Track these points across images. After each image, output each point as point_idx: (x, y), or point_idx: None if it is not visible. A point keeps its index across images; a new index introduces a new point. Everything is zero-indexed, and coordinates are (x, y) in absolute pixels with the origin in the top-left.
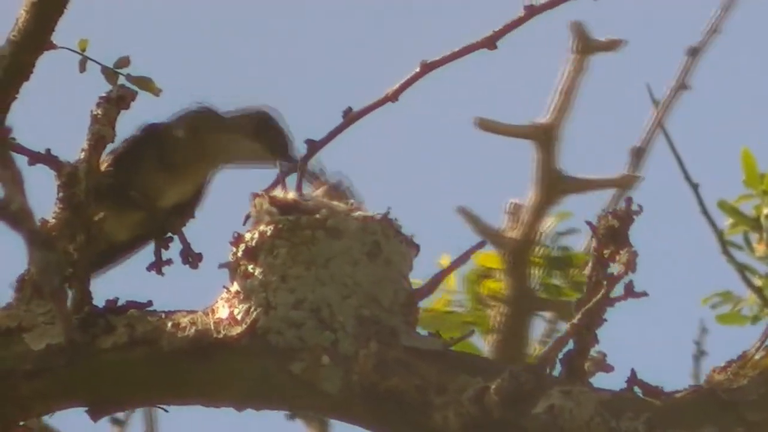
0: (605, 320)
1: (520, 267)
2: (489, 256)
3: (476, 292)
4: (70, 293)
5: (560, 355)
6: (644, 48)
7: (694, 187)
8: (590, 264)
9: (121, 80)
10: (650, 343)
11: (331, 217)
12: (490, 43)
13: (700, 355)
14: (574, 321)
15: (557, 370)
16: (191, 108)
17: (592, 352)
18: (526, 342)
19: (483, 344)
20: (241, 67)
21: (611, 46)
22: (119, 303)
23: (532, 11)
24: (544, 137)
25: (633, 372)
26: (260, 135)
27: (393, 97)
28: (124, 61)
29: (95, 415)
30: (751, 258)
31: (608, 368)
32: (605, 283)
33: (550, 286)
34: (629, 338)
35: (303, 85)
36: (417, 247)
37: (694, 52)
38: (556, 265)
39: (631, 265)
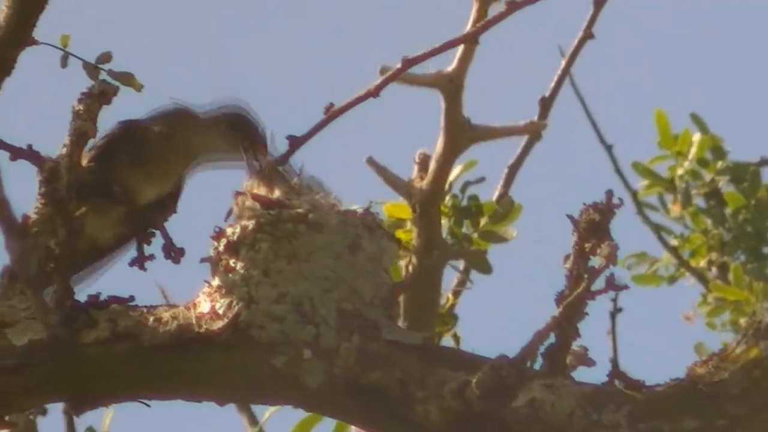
0: (587, 314)
1: (429, 217)
2: (398, 207)
3: None
4: (51, 288)
5: (542, 349)
6: None
7: (608, 147)
8: (571, 257)
9: (103, 76)
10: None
11: (313, 211)
12: (472, 38)
13: (616, 312)
14: (555, 314)
15: (539, 363)
16: (166, 106)
17: (574, 345)
18: (437, 292)
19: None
20: (222, 62)
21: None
22: (101, 298)
23: (513, 6)
24: (450, 86)
25: (614, 365)
26: (234, 132)
27: (375, 92)
28: (105, 57)
29: (77, 409)
30: (666, 219)
31: (590, 362)
32: (586, 276)
33: (460, 236)
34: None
35: (284, 81)
36: (398, 242)
37: (599, 2)
38: (464, 214)
39: (612, 258)
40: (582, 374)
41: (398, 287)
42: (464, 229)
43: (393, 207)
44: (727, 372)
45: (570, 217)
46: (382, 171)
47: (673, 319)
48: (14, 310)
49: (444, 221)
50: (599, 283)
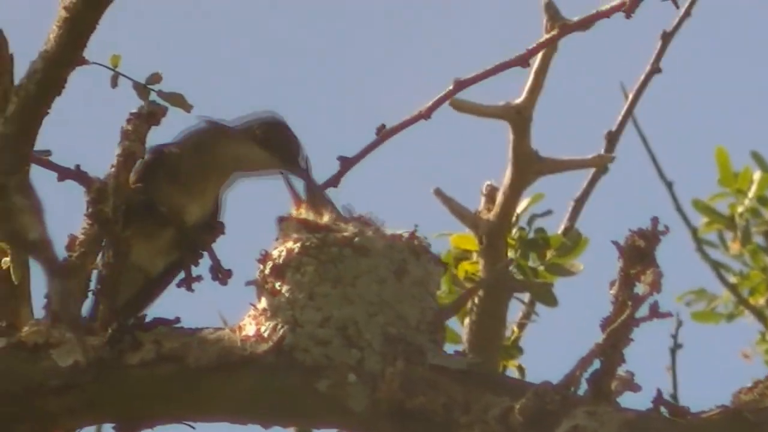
0: (632, 340)
1: (496, 249)
2: (465, 238)
3: (452, 275)
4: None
5: (586, 375)
6: (617, 29)
7: (669, 185)
8: (616, 283)
9: (153, 96)
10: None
11: (359, 235)
12: (523, 61)
13: (676, 348)
14: (600, 341)
15: (583, 389)
16: (195, 124)
17: (620, 371)
18: (502, 325)
19: (459, 328)
20: (274, 84)
21: (584, 25)
22: (147, 319)
23: (564, 29)
24: (517, 117)
25: (659, 392)
26: (268, 142)
27: (426, 114)
28: (155, 77)
29: (122, 430)
30: (725, 256)
31: (636, 388)
32: (630, 303)
33: (526, 268)
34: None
35: (336, 103)
36: (444, 266)
37: (667, 36)
38: (531, 246)
39: (656, 286)
40: (628, 400)
41: (445, 312)
42: (530, 262)
43: (459, 238)
44: None
45: (615, 243)
46: (449, 202)
47: (731, 357)
48: (60, 331)
49: (510, 253)
50: (643, 310)
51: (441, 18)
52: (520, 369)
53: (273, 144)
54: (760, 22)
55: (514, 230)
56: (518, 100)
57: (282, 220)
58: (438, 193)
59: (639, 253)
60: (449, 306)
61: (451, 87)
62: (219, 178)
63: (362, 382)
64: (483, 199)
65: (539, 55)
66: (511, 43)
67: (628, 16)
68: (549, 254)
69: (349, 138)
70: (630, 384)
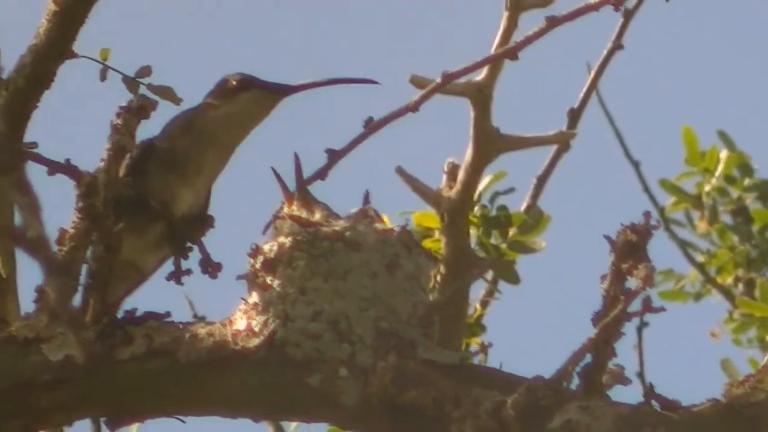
0: (623, 334)
1: (458, 226)
2: (427, 216)
3: None
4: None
5: (577, 369)
6: (579, 5)
7: (635, 164)
8: (607, 278)
9: (142, 90)
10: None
11: (350, 230)
12: (511, 54)
13: (642, 326)
14: (592, 335)
15: (575, 383)
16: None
17: (610, 365)
18: (465, 302)
19: None
20: (263, 74)
21: (543, 2)
22: (137, 314)
23: (553, 23)
24: (479, 95)
25: (650, 386)
26: (244, 84)
27: (414, 107)
28: (145, 71)
29: (113, 425)
30: (692, 235)
31: (626, 381)
32: (623, 297)
33: (488, 246)
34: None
35: (323, 95)
36: (435, 260)
37: (628, 13)
38: (493, 224)
39: (649, 280)
40: (617, 393)
41: (436, 306)
42: (493, 240)
43: (422, 216)
44: (765, 393)
45: (607, 237)
46: (411, 180)
47: (699, 336)
48: (50, 326)
49: (473, 231)
50: (635, 305)
51: (436, 12)
52: (483, 346)
53: (251, 83)
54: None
55: (476, 208)
56: (479, 78)
57: (275, 219)
58: (399, 171)
59: (631, 248)
60: (440, 300)
61: (438, 80)
62: (210, 151)
63: (353, 377)
64: (445, 177)
65: (499, 32)
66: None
67: (616, 9)
68: (511, 232)
69: (340, 131)
70: (620, 378)
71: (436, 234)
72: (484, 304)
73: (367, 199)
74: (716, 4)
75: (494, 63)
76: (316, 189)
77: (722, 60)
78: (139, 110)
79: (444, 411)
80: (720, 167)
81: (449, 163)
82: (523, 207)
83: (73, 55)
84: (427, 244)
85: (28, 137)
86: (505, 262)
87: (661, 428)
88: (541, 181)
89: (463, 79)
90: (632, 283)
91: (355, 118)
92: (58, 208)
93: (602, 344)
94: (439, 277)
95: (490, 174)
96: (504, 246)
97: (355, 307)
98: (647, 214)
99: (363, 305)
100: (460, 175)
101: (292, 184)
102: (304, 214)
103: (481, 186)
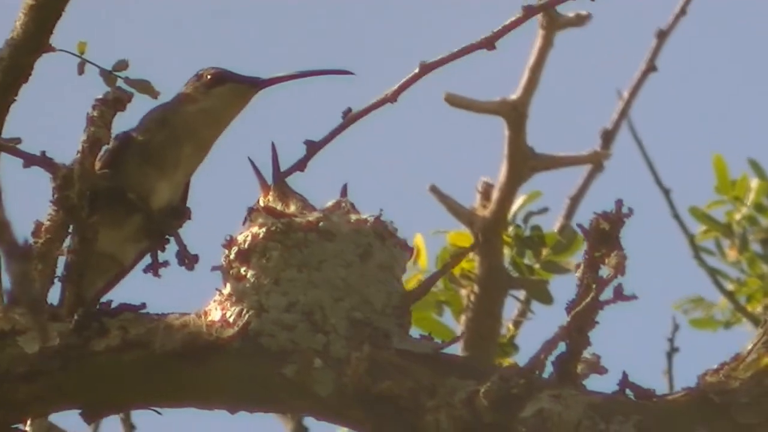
0: (597, 323)
1: (492, 246)
2: (461, 235)
3: (449, 272)
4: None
5: (552, 358)
6: (614, 26)
7: (666, 192)
8: (581, 266)
9: (120, 83)
10: (624, 344)
11: (324, 220)
12: (488, 43)
13: (672, 351)
14: (565, 324)
15: (549, 372)
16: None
17: (587, 354)
18: (498, 322)
19: (455, 324)
20: (239, 67)
21: (578, 21)
22: (113, 305)
23: (530, 12)
24: (513, 113)
25: (625, 374)
26: (218, 78)
27: (392, 97)
28: (122, 65)
29: (89, 417)
30: (722, 263)
31: (602, 370)
32: (595, 285)
33: (522, 266)
34: (606, 340)
35: (301, 86)
36: (411, 250)
37: (662, 34)
38: (527, 244)
39: (620, 268)
40: (594, 383)
41: (410, 296)
42: (526, 260)
43: (456, 235)
44: (738, 381)
45: (580, 226)
46: (444, 199)
47: None
48: (26, 318)
49: (506, 251)
50: (608, 293)
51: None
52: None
53: (225, 77)
54: (758, 22)
55: (510, 227)
56: (514, 97)
57: (251, 212)
58: (434, 190)
59: (603, 236)
60: (415, 290)
61: (417, 70)
62: (187, 144)
63: (328, 367)
64: (478, 196)
65: (535, 51)
66: (517, 51)
67: None
68: (545, 252)
69: (318, 123)
70: (596, 367)
71: (470, 253)
72: (517, 324)
73: (344, 191)
74: (749, 30)
75: (469, 53)
76: (302, 181)
77: (755, 87)
78: (115, 102)
79: (419, 400)
80: (750, 196)
81: (483, 182)
82: (556, 227)
83: (51, 49)
84: (462, 264)
85: (5, 131)
86: (538, 282)
87: (635, 416)
88: (574, 201)
89: (497, 98)
90: (605, 271)
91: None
92: (34, 200)
93: (576, 333)
94: (472, 297)
95: (523, 194)
96: (537, 266)
97: (329, 298)
98: (619, 202)
99: (337, 295)
100: (494, 194)
101: (269, 175)
102: (279, 205)
103: (514, 206)
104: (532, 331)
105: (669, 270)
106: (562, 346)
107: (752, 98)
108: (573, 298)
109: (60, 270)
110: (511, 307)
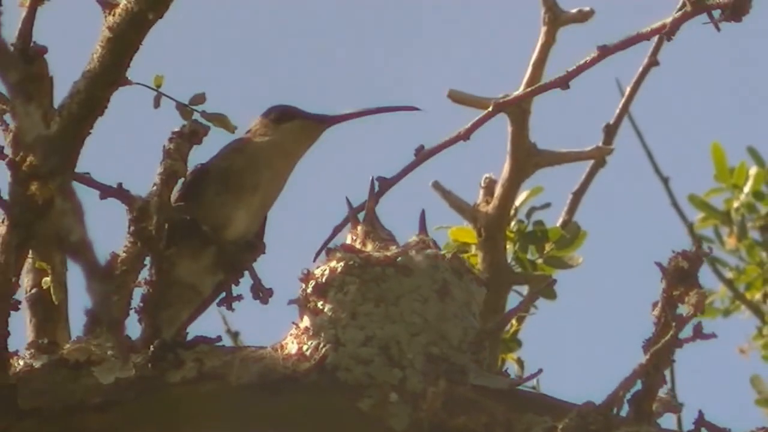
0: (673, 361)
1: (495, 241)
2: (463, 231)
3: None
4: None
5: (628, 396)
6: (616, 22)
7: (665, 180)
8: (659, 304)
9: (196, 116)
10: (620, 339)
11: (401, 255)
12: (563, 83)
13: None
14: (643, 361)
15: (625, 410)
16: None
17: (660, 392)
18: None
19: None
20: (316, 106)
21: (581, 17)
22: (188, 337)
23: (605, 52)
24: (516, 110)
25: (701, 413)
26: (288, 120)
27: (465, 135)
28: (199, 98)
29: None
30: (721, 251)
31: (676, 409)
32: (674, 324)
33: (525, 261)
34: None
35: (375, 124)
36: (486, 285)
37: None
38: (530, 239)
39: (700, 307)
40: (667, 421)
41: (486, 332)
42: (529, 255)
43: (458, 231)
44: None
45: (659, 264)
46: (447, 195)
47: (728, 352)
48: (102, 348)
49: (509, 246)
50: (686, 332)
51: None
52: (519, 362)
53: (293, 114)
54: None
55: (512, 223)
56: (517, 93)
57: (328, 250)
58: (436, 185)
59: (682, 275)
60: (491, 326)
61: (490, 108)
62: (268, 171)
63: (404, 402)
64: (481, 192)
65: (537, 47)
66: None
67: (668, 39)
68: (548, 247)
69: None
70: (670, 405)
71: (473, 249)
72: (520, 319)
73: (422, 218)
74: (748, 21)
75: (546, 91)
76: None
77: (752, 75)
78: (191, 135)
79: None
80: (749, 183)
81: (486, 178)
82: (558, 222)
83: (127, 82)
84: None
85: (81, 164)
86: (541, 277)
87: None
88: (577, 196)
89: (500, 94)
90: (683, 309)
91: (397, 142)
92: (109, 232)
93: (652, 371)
94: None
95: (526, 189)
96: (540, 261)
97: (406, 332)
98: (698, 241)
99: (414, 330)
100: (497, 190)
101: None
102: (362, 240)
103: (517, 201)
104: (536, 326)
105: (667, 258)
106: (638, 384)
107: (751, 86)
108: (649, 336)
109: (136, 302)
110: (514, 303)
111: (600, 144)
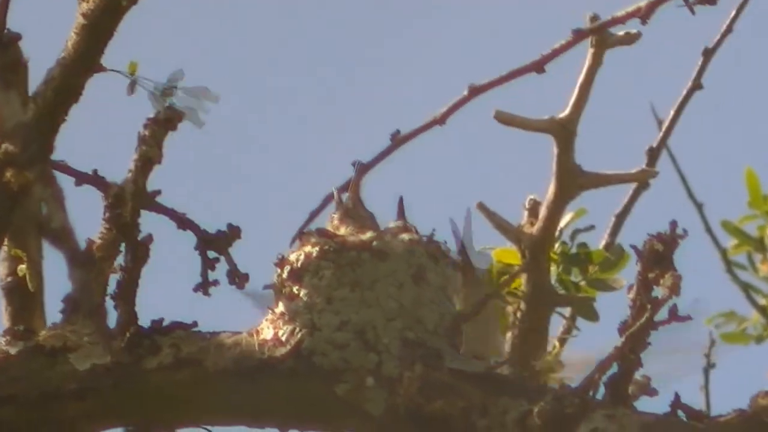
0: (649, 344)
1: (539, 263)
2: (508, 252)
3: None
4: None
5: (604, 379)
6: (661, 43)
7: (698, 206)
8: (634, 287)
9: (178, 94)
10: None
11: (377, 240)
12: (538, 66)
13: (709, 367)
14: (618, 344)
15: (601, 393)
16: None
17: (637, 375)
18: (544, 339)
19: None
20: (291, 92)
21: (628, 39)
22: (165, 323)
23: (579, 35)
24: (562, 131)
25: (677, 395)
26: None
27: (441, 120)
28: (178, 75)
29: None
30: (754, 278)
31: (652, 392)
32: (650, 306)
33: (568, 283)
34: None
35: (350, 108)
36: (461, 270)
37: (708, 52)
38: (573, 261)
39: (675, 289)
40: (643, 405)
41: (462, 316)
42: (573, 277)
43: (502, 252)
44: None
45: (634, 247)
46: (491, 216)
47: (760, 378)
48: (77, 335)
49: (553, 268)
50: (662, 314)
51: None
52: (561, 383)
53: None
54: None
55: (556, 245)
56: (563, 114)
57: (302, 235)
58: (481, 207)
59: (657, 257)
60: (466, 311)
61: (465, 93)
62: None
63: (380, 386)
64: (525, 213)
65: (584, 69)
66: (528, 46)
67: (643, 22)
68: (591, 269)
69: (363, 144)
70: (646, 388)
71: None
72: (562, 341)
73: (401, 204)
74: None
75: (519, 76)
76: None
77: None
78: (166, 122)
79: (471, 420)
80: None
81: (530, 199)
82: (601, 244)
83: (102, 69)
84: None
85: (55, 151)
86: (584, 299)
87: None
88: (620, 218)
89: (546, 116)
90: (659, 292)
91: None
92: (85, 219)
93: (629, 353)
94: (518, 314)
95: (570, 211)
96: (583, 283)
97: (382, 317)
98: (673, 223)
99: (389, 315)
100: (542, 211)
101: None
102: (348, 224)
103: (561, 223)
104: (578, 348)
105: (702, 285)
106: (613, 367)
107: None
108: (625, 319)
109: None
110: (556, 325)
111: (644, 166)
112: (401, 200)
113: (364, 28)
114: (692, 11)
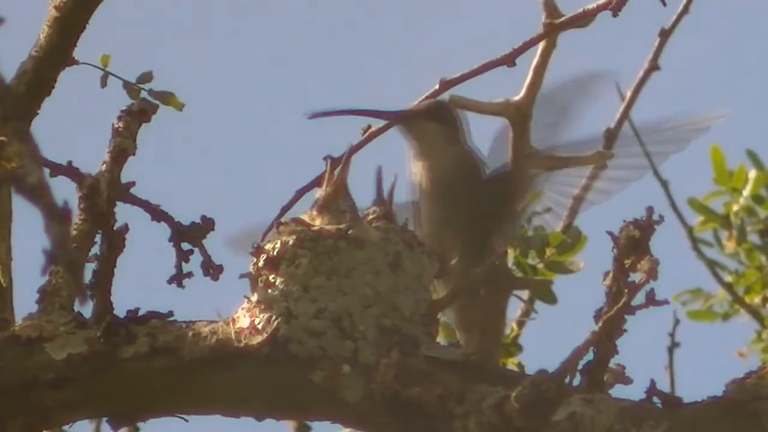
0: (625, 330)
1: None
2: None
3: None
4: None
5: (580, 365)
6: (615, 26)
7: (664, 183)
8: (610, 274)
9: (144, 95)
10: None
11: (353, 228)
12: (509, 60)
13: (674, 346)
14: (595, 330)
15: (577, 380)
16: None
17: (612, 363)
18: (502, 321)
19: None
20: (264, 81)
21: (570, 24)
22: (140, 313)
23: (549, 29)
24: (517, 114)
25: (653, 382)
26: None
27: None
28: (146, 77)
29: (116, 424)
30: (721, 255)
31: (627, 381)
32: (626, 291)
33: (525, 266)
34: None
35: (322, 100)
36: (438, 259)
37: (664, 33)
38: (531, 244)
39: (652, 274)
40: (618, 392)
41: (437, 304)
42: (530, 260)
43: None
44: (767, 388)
45: (610, 233)
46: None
47: (727, 356)
48: (54, 325)
49: (510, 251)
50: (639, 299)
51: (431, 17)
52: (520, 366)
53: None
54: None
55: None
56: (517, 97)
57: (278, 225)
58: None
59: (634, 243)
60: (442, 299)
61: (437, 86)
62: None
63: (357, 374)
64: None
65: (538, 52)
66: (504, 43)
67: (614, 15)
68: (549, 252)
69: (336, 136)
70: (621, 377)
71: None
72: (521, 324)
73: (379, 174)
74: (746, 23)
75: (490, 69)
76: None
77: (752, 78)
78: (140, 114)
79: (447, 407)
80: (748, 187)
81: None
82: (558, 226)
83: (74, 62)
84: None
85: None
86: (541, 282)
87: (665, 423)
88: (578, 201)
89: (501, 98)
90: (636, 278)
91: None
92: None
93: (605, 340)
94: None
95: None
96: (541, 266)
97: (358, 305)
98: (650, 209)
99: (366, 302)
100: None
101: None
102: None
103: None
104: (536, 331)
105: (668, 262)
106: (590, 354)
107: (750, 89)
108: (601, 306)
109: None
110: (514, 308)
111: (601, 149)
112: (380, 171)
113: (337, 23)
114: (663, 3)
